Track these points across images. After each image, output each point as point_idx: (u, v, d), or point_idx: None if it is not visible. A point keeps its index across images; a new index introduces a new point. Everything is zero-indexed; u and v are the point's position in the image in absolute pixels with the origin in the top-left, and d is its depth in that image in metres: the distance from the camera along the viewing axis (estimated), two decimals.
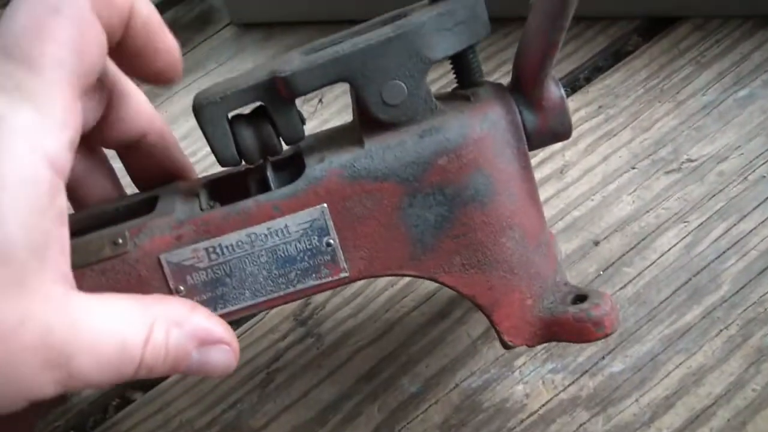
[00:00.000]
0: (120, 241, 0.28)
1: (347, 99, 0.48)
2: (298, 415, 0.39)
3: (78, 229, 0.30)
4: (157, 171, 0.33)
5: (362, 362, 0.40)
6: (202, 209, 0.29)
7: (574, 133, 0.31)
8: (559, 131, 0.30)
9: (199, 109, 0.28)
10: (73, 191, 0.32)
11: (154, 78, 0.28)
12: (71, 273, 0.24)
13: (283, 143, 0.30)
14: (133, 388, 0.41)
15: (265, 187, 0.29)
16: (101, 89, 0.29)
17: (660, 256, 0.40)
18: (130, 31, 0.26)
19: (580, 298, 0.30)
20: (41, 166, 0.22)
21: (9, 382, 0.22)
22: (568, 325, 0.29)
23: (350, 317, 0.41)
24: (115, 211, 0.31)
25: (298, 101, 0.29)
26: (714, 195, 0.41)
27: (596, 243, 0.41)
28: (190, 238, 0.28)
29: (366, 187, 0.28)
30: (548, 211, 0.42)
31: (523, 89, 0.30)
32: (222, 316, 0.29)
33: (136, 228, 0.28)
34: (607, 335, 0.29)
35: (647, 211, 0.41)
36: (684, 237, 0.40)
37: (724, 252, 0.39)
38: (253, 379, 0.40)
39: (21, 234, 0.21)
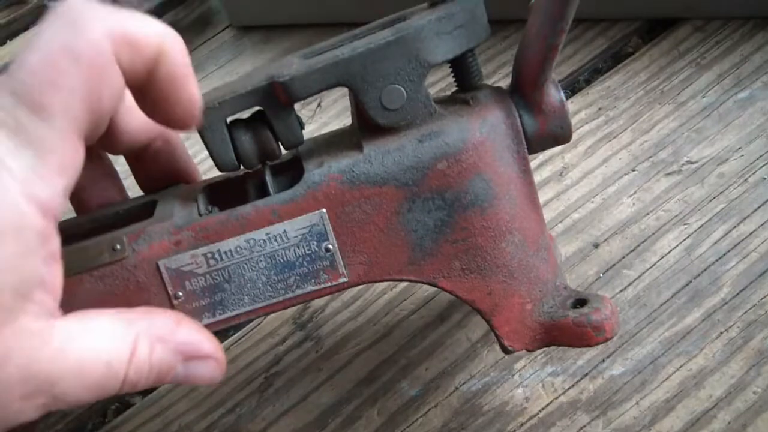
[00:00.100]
0: (118, 246, 0.28)
1: (346, 102, 0.48)
2: (297, 418, 0.39)
3: (77, 233, 0.30)
4: (163, 175, 0.33)
5: (362, 366, 0.39)
6: (200, 214, 0.29)
7: (574, 135, 0.31)
8: (559, 135, 0.30)
9: None
10: (76, 194, 0.32)
11: (168, 123, 0.27)
12: (57, 307, 0.24)
13: (281, 148, 0.29)
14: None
15: (263, 192, 0.29)
16: None
17: (660, 259, 0.40)
18: (152, 79, 0.25)
19: (580, 302, 0.30)
20: (33, 212, 0.22)
21: None
22: (569, 329, 0.29)
23: (349, 320, 0.41)
24: (114, 215, 0.31)
25: (296, 105, 0.29)
26: (714, 197, 0.41)
27: (596, 245, 0.41)
28: (188, 244, 0.28)
29: (365, 192, 0.28)
30: (548, 214, 0.42)
31: (523, 93, 0.30)
32: (221, 321, 0.29)
33: (135, 234, 0.28)
34: (607, 340, 0.29)
35: (647, 214, 0.41)
36: (684, 239, 0.40)
37: (724, 254, 0.39)
38: (252, 383, 0.40)
39: (5, 278, 0.22)
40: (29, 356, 0.23)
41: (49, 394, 0.23)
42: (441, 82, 0.48)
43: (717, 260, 0.39)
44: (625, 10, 0.48)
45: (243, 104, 0.28)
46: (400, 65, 0.28)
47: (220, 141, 0.28)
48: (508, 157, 0.29)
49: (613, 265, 0.40)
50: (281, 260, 0.29)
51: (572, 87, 0.47)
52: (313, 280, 0.29)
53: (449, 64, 0.30)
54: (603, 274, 0.40)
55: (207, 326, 0.29)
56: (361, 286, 0.41)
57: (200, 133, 0.28)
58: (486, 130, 0.29)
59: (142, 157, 0.32)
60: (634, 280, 0.39)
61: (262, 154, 0.29)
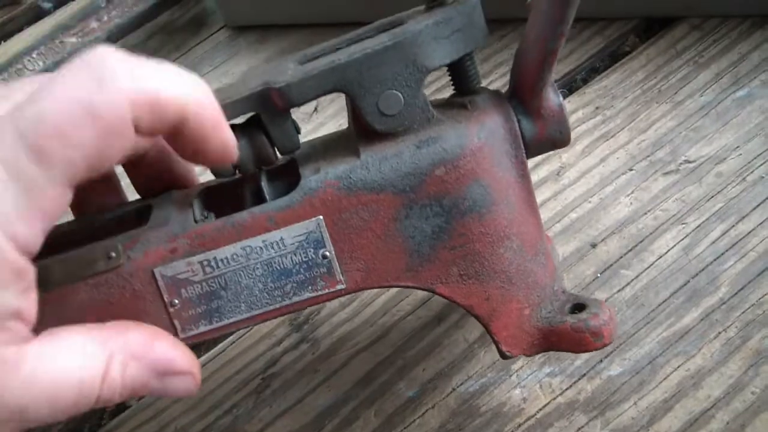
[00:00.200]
0: (113, 254, 0.28)
1: (343, 102, 0.48)
2: (294, 420, 0.39)
3: (71, 239, 0.29)
4: (160, 179, 0.33)
5: (358, 367, 0.39)
6: (196, 220, 0.28)
7: (572, 135, 0.30)
8: (558, 139, 0.30)
9: None
10: (75, 198, 0.32)
11: (204, 165, 0.27)
12: (30, 331, 0.24)
13: (277, 153, 0.29)
14: None
15: (259, 198, 0.29)
16: None
17: (658, 258, 0.40)
18: (179, 134, 0.25)
19: (579, 307, 0.29)
20: (10, 249, 0.22)
21: None
22: (567, 335, 0.29)
23: (346, 322, 0.41)
24: (108, 220, 0.31)
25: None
26: (712, 196, 0.41)
27: (594, 245, 0.41)
28: (184, 252, 0.28)
29: (362, 198, 0.28)
30: (545, 214, 0.42)
31: (522, 97, 0.29)
32: (218, 329, 0.29)
33: (130, 241, 0.28)
34: (605, 345, 0.29)
35: (645, 213, 0.41)
36: (682, 239, 0.40)
37: (722, 253, 0.39)
38: (248, 384, 0.40)
39: None
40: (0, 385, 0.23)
41: (20, 420, 0.23)
42: (437, 82, 0.48)
43: (715, 260, 0.39)
44: (622, 8, 0.48)
45: (239, 110, 0.28)
46: (398, 70, 0.27)
47: None
48: (507, 162, 0.29)
49: (611, 265, 0.40)
50: (278, 267, 0.28)
51: (569, 86, 0.47)
52: (310, 287, 0.29)
53: (447, 68, 0.30)
54: (601, 274, 0.40)
55: (204, 334, 0.29)
56: None
57: None
58: (484, 135, 0.28)
59: (138, 163, 0.32)
60: (632, 280, 0.39)
61: (258, 159, 0.29)
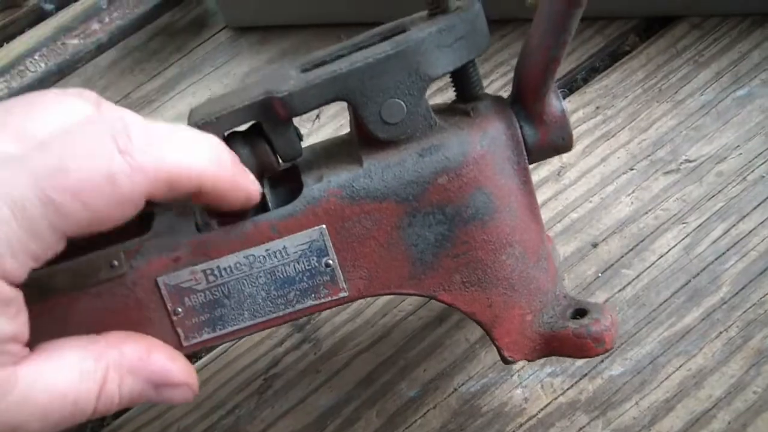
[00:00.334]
0: (115, 263, 0.28)
1: (343, 103, 0.48)
2: (296, 420, 0.39)
3: (73, 248, 0.29)
4: None
5: (360, 367, 0.39)
6: (198, 229, 0.28)
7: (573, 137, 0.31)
8: (560, 145, 0.30)
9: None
10: None
11: (229, 211, 0.28)
12: (23, 348, 0.24)
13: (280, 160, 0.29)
14: None
15: (262, 207, 0.29)
16: None
17: (659, 258, 0.40)
18: (197, 196, 0.26)
19: (580, 312, 0.30)
20: (0, 284, 0.23)
21: None
22: (568, 340, 0.29)
23: (348, 322, 0.41)
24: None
25: None
26: (713, 195, 0.41)
27: (595, 245, 0.41)
28: (187, 261, 0.28)
29: (365, 207, 0.28)
30: (546, 214, 0.42)
31: (524, 103, 0.29)
32: (221, 336, 0.29)
33: (132, 250, 0.28)
34: (607, 351, 0.29)
35: (646, 213, 0.41)
36: (683, 238, 0.40)
37: (723, 253, 0.39)
38: (250, 385, 0.40)
39: None
40: None
41: None
42: (438, 81, 0.48)
43: (716, 259, 0.39)
44: (622, 8, 0.48)
45: (241, 119, 0.28)
46: (400, 79, 0.27)
47: None
48: (509, 169, 0.29)
49: (612, 264, 0.40)
50: (281, 276, 0.28)
51: (570, 86, 0.47)
52: (313, 295, 0.29)
53: (449, 74, 0.30)
54: (602, 273, 0.40)
55: (207, 342, 0.29)
56: None
57: None
58: (486, 142, 0.28)
59: None
60: (633, 279, 0.39)
61: (260, 167, 0.29)
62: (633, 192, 0.42)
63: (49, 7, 0.56)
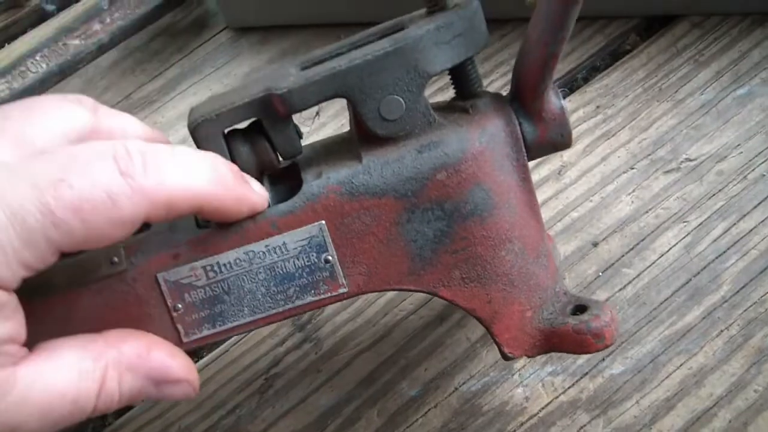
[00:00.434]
0: (116, 259, 0.28)
1: (344, 102, 0.48)
2: (297, 420, 0.39)
3: None
4: None
5: (361, 366, 0.39)
6: (198, 225, 0.29)
7: (572, 134, 0.31)
8: (559, 142, 0.30)
9: (195, 127, 0.28)
10: None
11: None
12: (21, 348, 0.24)
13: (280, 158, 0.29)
14: None
15: None
16: None
17: (660, 257, 0.40)
18: (200, 213, 0.26)
19: (580, 308, 0.30)
20: None
21: None
22: (568, 336, 0.29)
23: (349, 321, 0.41)
24: None
25: None
26: (713, 194, 0.41)
27: (595, 244, 0.41)
28: (187, 257, 0.28)
29: (364, 203, 0.28)
30: (546, 213, 0.42)
31: (523, 100, 0.30)
32: (221, 333, 0.29)
33: (133, 246, 0.28)
34: (607, 347, 0.29)
35: (646, 212, 0.41)
36: (684, 237, 0.40)
37: (724, 252, 0.39)
38: (251, 384, 0.40)
39: None
40: None
41: None
42: (439, 81, 0.48)
43: (717, 258, 0.39)
44: (622, 7, 0.48)
45: (240, 116, 0.28)
46: (399, 76, 0.27)
47: (218, 153, 0.28)
48: (508, 165, 0.29)
49: (613, 263, 0.40)
50: (281, 272, 0.29)
51: (570, 85, 0.47)
52: (312, 291, 0.29)
53: (448, 71, 0.30)
54: (602, 272, 0.40)
55: (207, 338, 0.29)
56: None
57: (198, 145, 0.28)
58: (485, 139, 0.28)
59: None
60: (634, 278, 0.39)
61: (260, 165, 0.29)
62: (633, 191, 0.42)
63: (50, 7, 0.56)
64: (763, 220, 0.40)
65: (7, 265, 0.23)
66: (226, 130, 0.28)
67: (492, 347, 0.38)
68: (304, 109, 0.28)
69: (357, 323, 0.41)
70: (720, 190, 0.41)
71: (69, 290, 0.28)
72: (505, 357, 0.30)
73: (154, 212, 0.24)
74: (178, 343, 0.29)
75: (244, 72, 0.52)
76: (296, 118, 0.29)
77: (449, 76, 0.31)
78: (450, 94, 0.32)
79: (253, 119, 0.29)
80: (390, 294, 0.41)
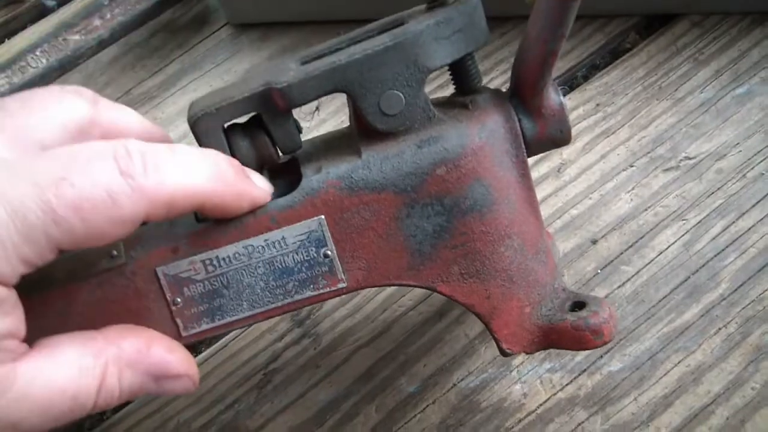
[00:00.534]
0: (115, 253, 0.28)
1: (344, 98, 0.48)
2: (295, 415, 0.39)
3: None
4: None
5: (360, 362, 0.39)
6: (197, 218, 0.29)
7: (572, 132, 0.31)
8: (558, 138, 0.30)
9: (195, 121, 0.28)
10: None
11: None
12: (21, 344, 0.24)
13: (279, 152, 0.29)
14: None
15: None
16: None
17: (658, 255, 0.40)
18: (202, 210, 0.27)
19: (579, 305, 0.30)
20: None
21: None
22: (567, 333, 0.29)
23: (347, 317, 0.41)
24: None
25: None
26: (712, 192, 0.41)
27: (594, 241, 0.41)
28: (186, 251, 0.28)
29: (364, 198, 0.28)
30: (546, 210, 0.42)
31: (523, 97, 0.30)
32: (220, 327, 0.29)
33: (132, 240, 0.28)
34: (605, 343, 0.29)
35: (645, 209, 0.41)
36: (682, 235, 0.40)
37: (722, 250, 0.39)
38: (250, 379, 0.40)
39: None
40: None
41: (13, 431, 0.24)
42: (439, 79, 0.48)
43: (715, 256, 0.39)
44: (622, 5, 0.48)
45: (240, 110, 0.28)
46: (399, 71, 0.28)
47: (217, 147, 0.28)
48: (507, 161, 0.29)
49: (612, 261, 0.40)
50: (280, 266, 0.29)
51: (570, 83, 0.47)
52: (311, 286, 0.29)
53: (448, 67, 0.30)
54: (601, 270, 0.40)
55: (206, 332, 0.29)
56: None
57: (198, 139, 0.28)
58: (485, 135, 0.28)
59: None
60: (633, 276, 0.39)
61: (260, 159, 0.29)
62: (633, 189, 0.42)
63: (50, 3, 0.56)
64: (761, 219, 0.40)
65: (7, 260, 0.23)
66: (225, 125, 0.28)
67: (490, 344, 0.39)
68: (304, 104, 0.28)
69: (356, 319, 0.41)
70: (719, 189, 0.41)
71: (68, 284, 0.28)
72: (503, 353, 0.30)
73: (154, 211, 0.24)
74: (177, 337, 0.29)
75: (245, 68, 0.52)
76: (296, 114, 0.29)
77: (449, 72, 0.31)
78: (449, 91, 0.32)
79: (252, 114, 0.29)
80: (389, 290, 0.41)
